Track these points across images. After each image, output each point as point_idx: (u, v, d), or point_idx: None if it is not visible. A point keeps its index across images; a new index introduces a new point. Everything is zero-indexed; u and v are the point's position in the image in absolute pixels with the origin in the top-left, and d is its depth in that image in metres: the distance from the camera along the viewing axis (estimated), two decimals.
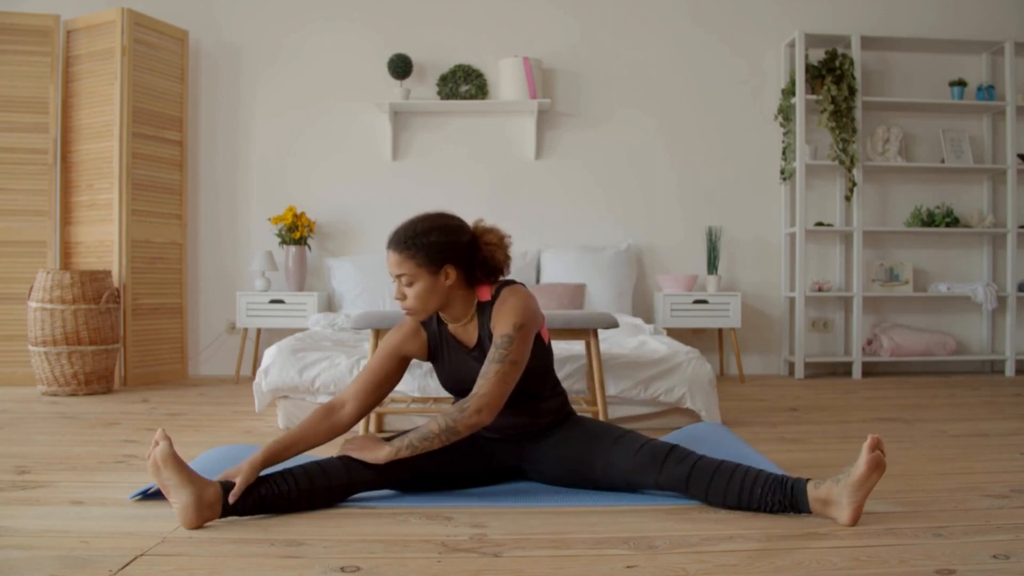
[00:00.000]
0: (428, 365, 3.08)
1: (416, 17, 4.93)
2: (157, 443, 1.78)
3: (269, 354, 3.11)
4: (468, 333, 2.08)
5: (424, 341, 2.13)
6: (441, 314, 2.08)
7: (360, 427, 2.84)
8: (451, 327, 2.10)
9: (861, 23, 4.97)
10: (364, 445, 1.95)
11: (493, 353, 1.93)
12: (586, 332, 2.89)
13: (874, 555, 1.60)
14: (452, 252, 1.98)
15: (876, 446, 1.74)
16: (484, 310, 2.05)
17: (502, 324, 1.96)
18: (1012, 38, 4.88)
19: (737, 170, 5.03)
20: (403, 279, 1.98)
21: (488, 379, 1.90)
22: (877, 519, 1.83)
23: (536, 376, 2.07)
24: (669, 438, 2.38)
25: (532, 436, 2.13)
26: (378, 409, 2.90)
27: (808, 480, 1.83)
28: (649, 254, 5.00)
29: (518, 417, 2.08)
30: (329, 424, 1.99)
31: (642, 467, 1.95)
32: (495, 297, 2.03)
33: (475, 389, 1.92)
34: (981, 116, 5.12)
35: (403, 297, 2.00)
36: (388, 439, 1.95)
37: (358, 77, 4.90)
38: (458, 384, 2.10)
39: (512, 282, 2.08)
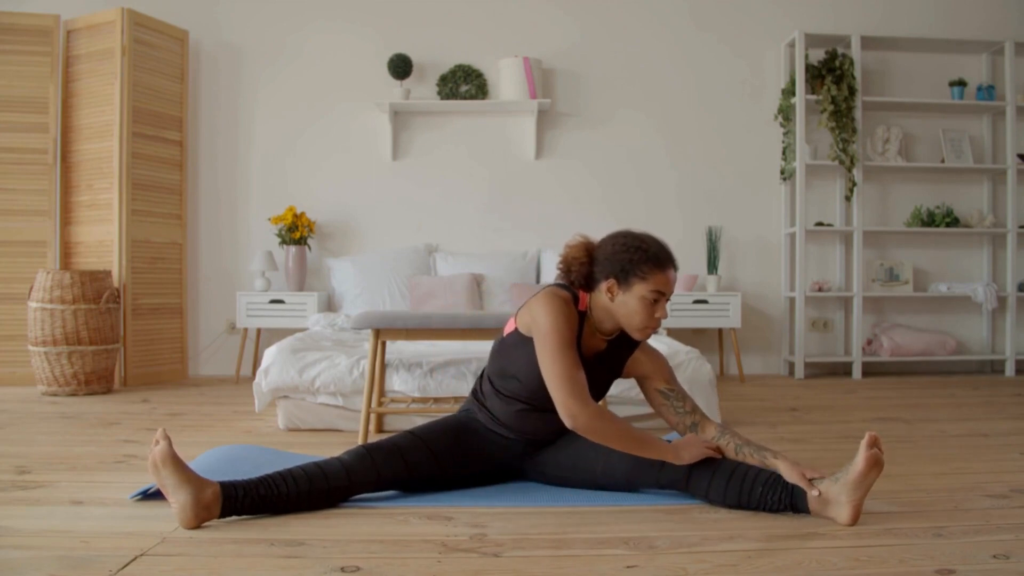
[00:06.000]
0: (429, 365, 3.09)
1: (416, 17, 4.94)
2: (157, 442, 1.78)
3: (269, 354, 3.11)
4: (594, 343, 2.07)
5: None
6: (597, 319, 2.04)
7: (360, 431, 2.82)
8: (588, 331, 2.05)
9: (861, 23, 4.97)
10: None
11: (693, 402, 2.11)
12: None
13: (874, 555, 1.60)
14: None
15: (874, 443, 1.74)
16: (622, 340, 2.08)
17: (667, 373, 2.12)
18: (1012, 38, 4.88)
19: (737, 170, 5.02)
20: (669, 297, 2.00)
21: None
22: (877, 519, 1.83)
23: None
24: (669, 438, 2.38)
25: (546, 442, 2.12)
26: (378, 409, 2.90)
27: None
28: None
29: (554, 424, 2.07)
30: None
31: (642, 467, 1.95)
32: None
33: (694, 408, 2.09)
34: (981, 116, 5.12)
35: (665, 315, 1.99)
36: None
37: (358, 77, 4.90)
38: None
39: None
